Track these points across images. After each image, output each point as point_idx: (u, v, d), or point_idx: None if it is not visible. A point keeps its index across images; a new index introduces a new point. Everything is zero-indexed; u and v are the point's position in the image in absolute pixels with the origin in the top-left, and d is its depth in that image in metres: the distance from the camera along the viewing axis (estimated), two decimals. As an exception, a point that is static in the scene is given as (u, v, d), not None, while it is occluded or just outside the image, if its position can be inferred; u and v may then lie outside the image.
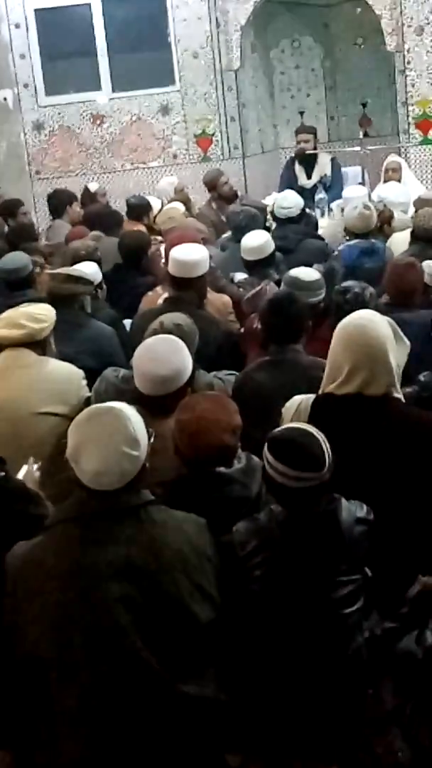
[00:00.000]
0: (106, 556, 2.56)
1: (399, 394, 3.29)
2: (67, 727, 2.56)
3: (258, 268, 5.63)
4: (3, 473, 3.02)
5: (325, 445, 2.77)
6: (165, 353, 3.55)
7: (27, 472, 3.34)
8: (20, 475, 3.28)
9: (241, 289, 5.54)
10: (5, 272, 5.59)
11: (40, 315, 4.09)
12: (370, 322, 3.31)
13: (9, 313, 4.13)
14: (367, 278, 4.98)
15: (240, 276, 5.79)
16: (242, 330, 4.95)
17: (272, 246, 5.73)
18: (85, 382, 4.10)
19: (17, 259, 5.74)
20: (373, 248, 5.96)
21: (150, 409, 3.30)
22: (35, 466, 3.41)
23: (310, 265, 5.16)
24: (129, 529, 2.61)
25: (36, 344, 4.05)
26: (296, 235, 6.55)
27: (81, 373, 4.12)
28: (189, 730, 2.61)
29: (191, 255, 4.83)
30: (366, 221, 6.08)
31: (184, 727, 2.60)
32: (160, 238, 6.91)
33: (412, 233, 5.86)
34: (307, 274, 4.78)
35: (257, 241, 5.71)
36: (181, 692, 2.57)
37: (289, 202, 6.93)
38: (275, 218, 6.94)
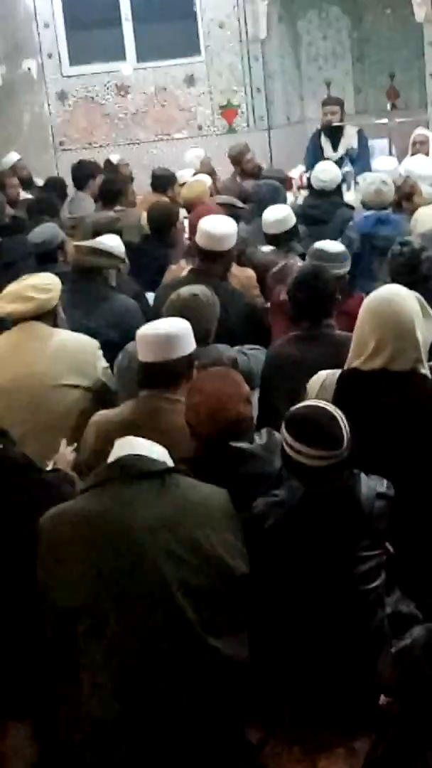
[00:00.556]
0: (140, 511, 2.63)
1: (426, 370, 3.26)
2: (92, 686, 2.59)
3: (281, 241, 5.61)
4: (1, 446, 3.02)
5: (344, 423, 2.75)
6: (165, 322, 3.54)
7: (60, 454, 3.39)
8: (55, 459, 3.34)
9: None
10: (33, 245, 5.57)
11: (46, 285, 4.01)
12: (397, 296, 3.28)
13: (13, 287, 4.04)
14: (383, 246, 4.96)
15: (265, 249, 5.76)
16: (268, 304, 4.91)
17: (293, 219, 5.74)
18: (100, 352, 4.05)
19: (45, 231, 5.72)
20: (388, 218, 5.99)
21: (156, 384, 3.36)
22: (69, 449, 3.44)
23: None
24: (156, 489, 2.68)
25: (46, 315, 3.99)
26: (331, 206, 6.56)
27: (96, 343, 4.07)
28: (215, 692, 2.63)
29: (222, 228, 4.79)
30: (382, 197, 6.10)
31: (210, 688, 2.62)
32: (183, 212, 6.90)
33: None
34: (332, 245, 4.77)
35: (279, 214, 5.72)
36: (212, 648, 2.61)
37: (327, 175, 6.93)
38: (310, 187, 6.91)
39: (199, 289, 4.01)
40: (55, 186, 8.17)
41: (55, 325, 4.03)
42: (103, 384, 3.97)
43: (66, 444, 3.46)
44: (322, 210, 6.46)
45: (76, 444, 3.50)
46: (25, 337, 3.96)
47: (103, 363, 4.03)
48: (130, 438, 2.82)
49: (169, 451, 2.82)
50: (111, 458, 2.78)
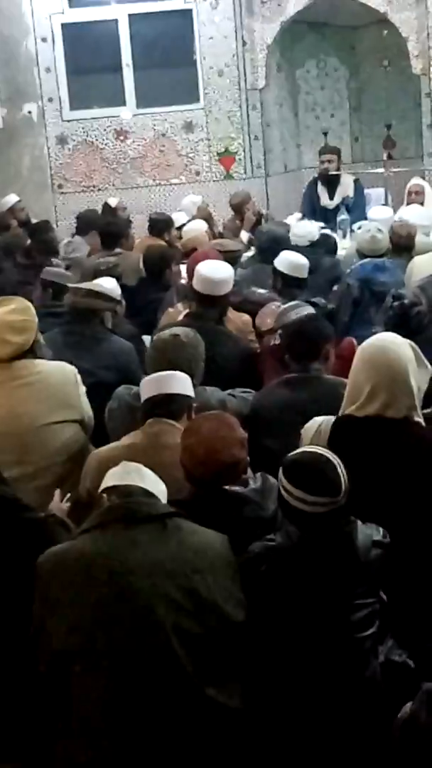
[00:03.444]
0: (140, 556, 2.64)
1: (420, 418, 3.26)
2: (84, 728, 2.58)
3: (291, 286, 5.64)
4: None
5: (341, 470, 2.76)
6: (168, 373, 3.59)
7: (54, 502, 3.38)
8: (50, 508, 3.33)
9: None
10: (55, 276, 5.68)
11: (23, 323, 3.88)
12: (391, 344, 3.29)
13: None
14: (381, 292, 5.00)
15: (262, 291, 5.79)
16: (259, 349, 4.93)
17: (306, 272, 5.77)
18: (79, 377, 4.01)
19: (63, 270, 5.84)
20: (385, 265, 6.03)
21: (158, 414, 3.44)
22: (65, 499, 3.43)
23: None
24: (157, 534, 2.69)
25: (25, 353, 3.92)
26: (317, 255, 6.58)
27: (73, 369, 4.02)
28: (207, 739, 2.61)
29: (219, 273, 4.84)
30: (377, 244, 6.15)
31: (203, 735, 2.60)
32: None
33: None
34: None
35: (302, 260, 5.78)
36: (206, 695, 2.60)
37: (302, 230, 7.02)
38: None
39: (180, 330, 4.02)
40: (47, 229, 8.20)
41: (35, 356, 3.96)
42: (86, 414, 3.99)
43: (60, 494, 3.44)
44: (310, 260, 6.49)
45: (69, 494, 3.49)
46: (5, 379, 3.86)
47: (83, 389, 4.01)
48: (140, 466, 2.83)
49: (171, 466, 2.86)
50: (113, 481, 2.78)
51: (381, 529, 2.86)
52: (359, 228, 6.98)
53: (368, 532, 2.82)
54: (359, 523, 2.81)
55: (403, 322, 4.36)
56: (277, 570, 2.75)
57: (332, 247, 7.31)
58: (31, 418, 3.81)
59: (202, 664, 2.60)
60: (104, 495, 2.83)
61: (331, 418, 3.29)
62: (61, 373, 3.98)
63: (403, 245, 6.52)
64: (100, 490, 2.85)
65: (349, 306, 5.77)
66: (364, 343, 3.37)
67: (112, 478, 2.82)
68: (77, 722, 2.59)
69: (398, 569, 2.90)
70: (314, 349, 4.03)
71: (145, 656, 2.56)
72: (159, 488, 2.81)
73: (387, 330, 4.00)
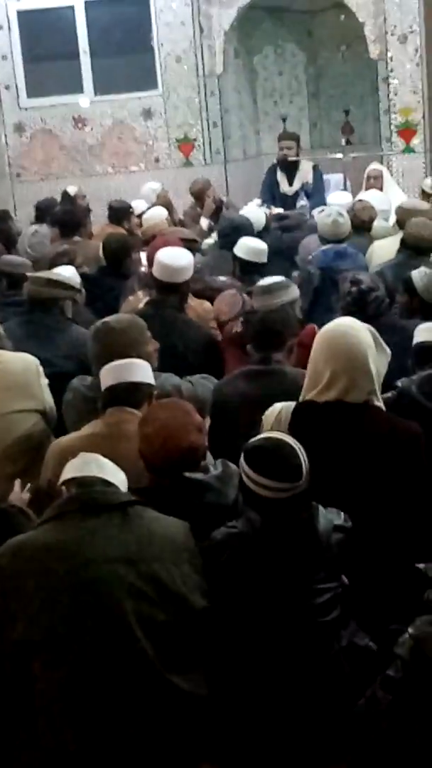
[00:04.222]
0: (101, 544, 2.64)
1: (380, 402, 3.28)
2: (47, 720, 2.57)
3: (249, 272, 5.64)
4: None
5: (302, 454, 2.77)
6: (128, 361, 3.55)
7: (14, 493, 3.37)
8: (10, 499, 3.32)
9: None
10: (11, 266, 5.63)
11: None
12: (350, 329, 3.30)
13: None
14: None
15: (223, 278, 5.80)
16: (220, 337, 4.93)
17: (265, 256, 5.80)
18: (41, 368, 4.02)
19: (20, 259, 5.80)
20: (347, 251, 6.05)
21: (119, 402, 3.42)
22: (24, 490, 3.42)
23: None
24: (118, 522, 2.69)
25: None
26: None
27: (35, 360, 4.03)
28: (171, 727, 2.62)
29: (179, 260, 4.82)
30: (339, 228, 6.15)
31: (167, 723, 2.61)
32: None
33: (402, 241, 5.86)
34: (271, 279, 4.77)
35: (261, 245, 5.80)
36: (170, 683, 2.60)
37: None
38: None
39: (113, 317, 4.00)
40: (6, 218, 8.15)
41: None
42: (48, 405, 3.99)
43: (20, 484, 3.44)
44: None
45: (29, 485, 3.48)
46: None
47: (45, 380, 4.01)
48: (98, 456, 2.82)
49: (133, 455, 2.88)
50: (72, 473, 2.78)
51: (342, 514, 2.87)
52: (321, 212, 6.99)
53: (329, 517, 2.82)
54: (320, 507, 2.82)
55: (361, 307, 4.38)
56: (239, 556, 2.75)
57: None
58: None
59: (165, 652, 2.60)
60: (63, 488, 2.82)
61: (292, 404, 3.29)
62: (22, 362, 3.99)
63: (365, 227, 6.58)
64: (59, 482, 2.84)
65: (310, 294, 5.78)
66: (323, 329, 3.37)
67: (71, 469, 2.81)
68: (41, 714, 2.58)
69: (360, 553, 2.91)
70: (278, 340, 4.02)
71: (107, 645, 2.56)
72: (119, 477, 2.80)
73: (345, 315, 4.01)
